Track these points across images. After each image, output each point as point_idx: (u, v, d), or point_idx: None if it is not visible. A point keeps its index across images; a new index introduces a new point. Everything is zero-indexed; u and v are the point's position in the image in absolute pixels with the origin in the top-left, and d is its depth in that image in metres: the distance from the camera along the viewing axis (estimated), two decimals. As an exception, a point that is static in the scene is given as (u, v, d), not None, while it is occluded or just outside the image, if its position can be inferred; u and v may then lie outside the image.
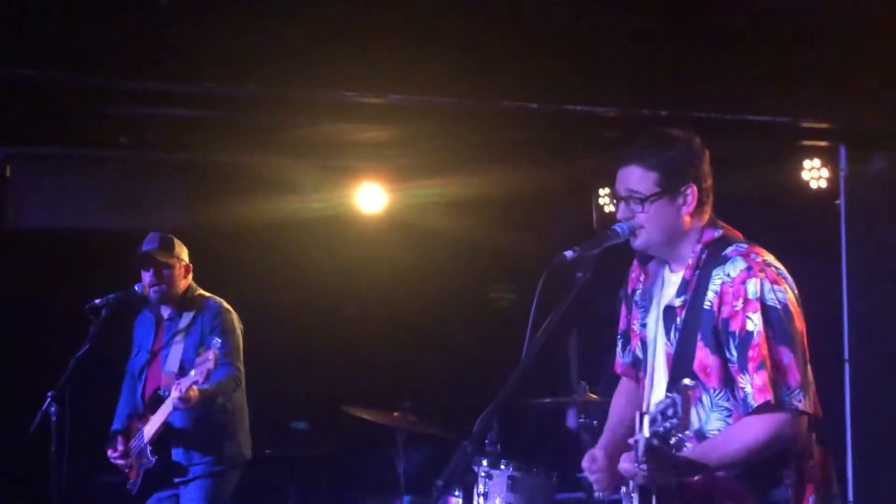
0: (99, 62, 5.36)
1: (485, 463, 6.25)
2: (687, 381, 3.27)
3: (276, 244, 8.18)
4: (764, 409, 3.44)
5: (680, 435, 3.28)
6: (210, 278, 6.39)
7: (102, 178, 7.76)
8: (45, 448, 5.89)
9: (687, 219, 3.64)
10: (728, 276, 3.54)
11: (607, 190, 8.47)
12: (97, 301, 6.11)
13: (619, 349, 3.99)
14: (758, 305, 3.48)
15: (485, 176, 7.83)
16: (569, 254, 3.59)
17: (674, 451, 3.34)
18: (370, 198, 8.32)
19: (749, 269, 3.52)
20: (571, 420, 7.07)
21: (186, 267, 6.27)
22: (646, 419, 3.29)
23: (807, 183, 7.17)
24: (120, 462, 6.18)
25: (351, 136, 7.36)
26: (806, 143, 7.00)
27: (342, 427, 7.12)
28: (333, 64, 5.53)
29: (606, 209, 8.50)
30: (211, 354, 5.73)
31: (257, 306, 6.47)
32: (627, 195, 3.64)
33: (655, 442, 3.29)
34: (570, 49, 5.88)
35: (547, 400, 6.86)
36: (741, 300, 3.50)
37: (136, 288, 6.19)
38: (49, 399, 5.91)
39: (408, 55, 5.62)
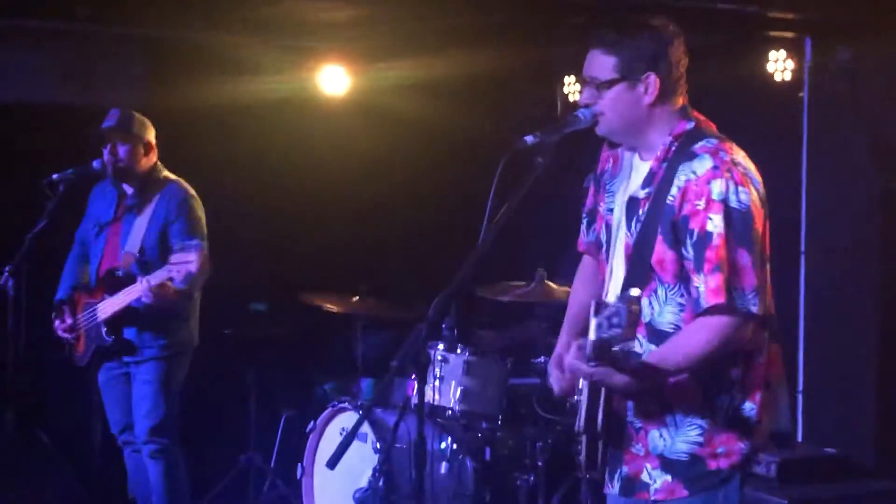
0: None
1: (441, 347, 6.31)
2: (635, 291, 3.21)
3: (237, 125, 8.11)
4: (715, 311, 3.43)
5: (622, 346, 3.29)
6: (168, 158, 6.34)
7: (60, 51, 7.64)
8: (2, 323, 5.89)
9: (649, 108, 3.59)
10: (694, 173, 3.48)
11: (572, 77, 8.44)
12: (55, 176, 6.08)
13: (583, 227, 3.96)
14: (721, 207, 3.43)
15: (450, 59, 7.75)
16: (529, 139, 3.55)
17: (618, 358, 3.36)
18: (333, 80, 8.24)
19: (716, 168, 3.46)
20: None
21: (147, 145, 6.20)
22: (593, 322, 3.26)
23: (771, 75, 7.14)
24: (66, 336, 6.17)
25: (314, 15, 7.25)
26: (772, 33, 6.97)
27: (301, 309, 7.13)
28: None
29: (571, 97, 8.47)
30: (193, 256, 5.67)
31: (216, 187, 6.44)
32: (588, 80, 3.60)
33: (601, 344, 3.29)
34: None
35: (503, 299, 6.88)
36: (704, 200, 3.45)
37: (94, 164, 6.14)
38: (6, 274, 5.90)
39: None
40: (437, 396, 6.26)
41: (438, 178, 8.49)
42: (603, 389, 3.53)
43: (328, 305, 6.92)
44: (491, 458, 6.26)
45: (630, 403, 3.62)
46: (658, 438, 3.60)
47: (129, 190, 6.24)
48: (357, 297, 6.89)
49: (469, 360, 6.27)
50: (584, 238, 3.98)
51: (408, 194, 8.49)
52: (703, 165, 3.49)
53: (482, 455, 6.24)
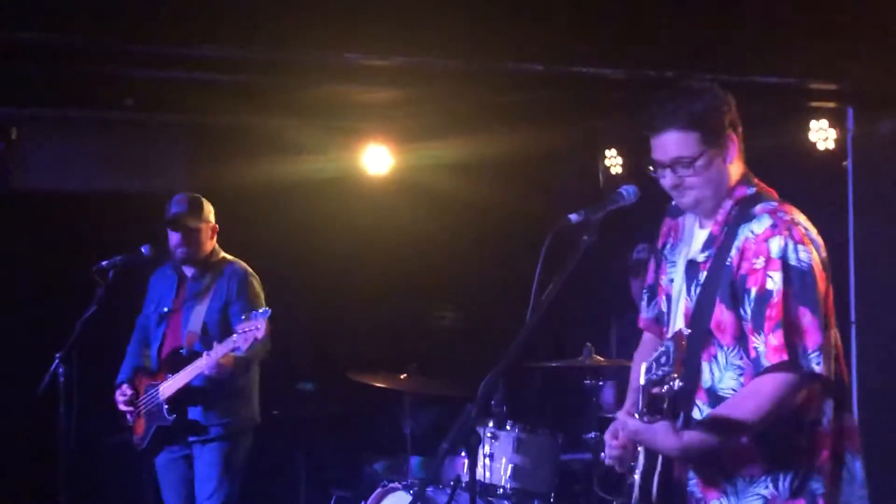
0: (103, 23, 5.34)
1: (490, 424, 6.27)
2: (682, 328, 3.23)
3: (282, 206, 8.18)
4: (777, 368, 3.38)
5: (671, 383, 3.22)
6: (218, 241, 6.39)
7: (108, 139, 7.75)
8: (54, 410, 5.91)
9: (731, 169, 3.57)
10: (752, 232, 3.47)
11: (614, 151, 8.46)
12: (104, 263, 6.12)
13: (644, 303, 3.93)
14: (779, 264, 3.41)
15: (491, 138, 7.80)
16: (574, 217, 3.55)
17: (665, 396, 3.32)
18: (376, 159, 8.31)
19: (774, 226, 3.46)
20: (608, 397, 7.10)
21: (213, 228, 6.30)
22: (643, 366, 3.29)
23: (814, 144, 7.13)
24: (127, 409, 6.19)
25: (356, 97, 7.33)
26: (813, 104, 6.97)
27: (349, 388, 7.13)
28: (337, 25, 5.50)
29: (613, 171, 8.48)
30: (261, 323, 5.73)
31: (262, 267, 6.47)
32: (673, 162, 3.54)
33: (653, 391, 3.28)
34: (575, 10, 5.84)
35: (553, 364, 6.85)
36: (762, 258, 3.43)
37: (143, 250, 6.19)
38: (57, 361, 5.93)
39: (413, 16, 5.59)
40: (487, 474, 6.21)
41: (483, 256, 8.50)
42: (660, 457, 3.49)
43: (376, 383, 6.91)
44: (544, 536, 6.20)
45: (691, 472, 3.56)
46: None
47: (188, 272, 6.31)
48: (405, 375, 6.88)
49: (519, 437, 6.23)
50: (644, 314, 3.94)
51: (453, 272, 8.50)
52: (761, 225, 3.48)
53: (535, 533, 6.18)
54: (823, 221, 6.91)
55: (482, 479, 6.21)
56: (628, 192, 3.62)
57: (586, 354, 6.52)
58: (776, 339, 3.38)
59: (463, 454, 5.96)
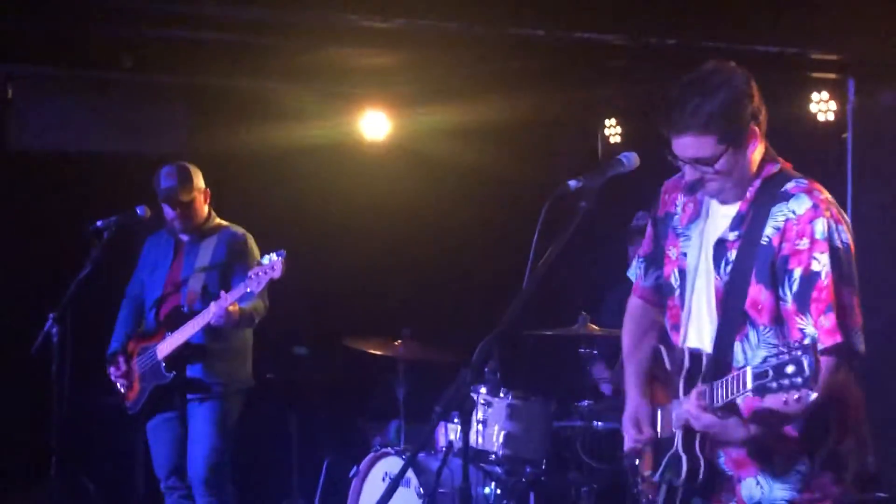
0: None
1: (484, 391, 6.28)
2: (807, 340, 3.12)
3: (279, 170, 8.16)
4: (831, 350, 3.35)
5: (801, 396, 3.08)
6: (211, 204, 6.37)
7: (105, 99, 7.72)
8: (47, 369, 5.91)
9: (754, 157, 3.52)
10: (793, 212, 3.43)
11: (613, 121, 8.44)
12: (99, 223, 6.11)
13: (639, 271, 3.89)
14: (826, 246, 3.38)
15: (490, 103, 7.77)
16: (572, 183, 3.51)
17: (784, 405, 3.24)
18: (374, 125, 8.29)
19: (815, 207, 3.41)
20: (599, 372, 7.11)
21: (206, 193, 6.30)
22: (749, 371, 3.18)
23: (814, 115, 7.11)
24: (122, 381, 6.21)
25: (355, 61, 7.31)
26: (814, 75, 6.94)
27: (343, 353, 7.12)
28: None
29: (612, 139, 8.46)
30: (278, 264, 5.78)
31: (259, 232, 6.46)
32: (692, 161, 3.50)
33: (750, 395, 3.22)
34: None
35: (548, 332, 6.85)
36: (807, 239, 3.39)
37: (138, 210, 6.19)
38: (50, 320, 5.93)
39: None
40: (480, 440, 6.23)
41: (480, 223, 8.48)
42: (697, 437, 3.48)
43: (371, 349, 6.91)
44: (535, 503, 6.21)
45: (721, 451, 3.54)
46: (755, 487, 3.52)
47: (185, 238, 6.31)
48: (399, 341, 6.88)
49: (512, 404, 6.24)
50: (641, 283, 3.90)
51: (450, 238, 8.48)
52: (801, 205, 3.43)
53: (526, 500, 6.20)
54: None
55: (474, 446, 6.23)
56: (628, 158, 3.59)
57: (581, 323, 6.51)
58: (828, 321, 3.36)
59: (455, 420, 5.98)
